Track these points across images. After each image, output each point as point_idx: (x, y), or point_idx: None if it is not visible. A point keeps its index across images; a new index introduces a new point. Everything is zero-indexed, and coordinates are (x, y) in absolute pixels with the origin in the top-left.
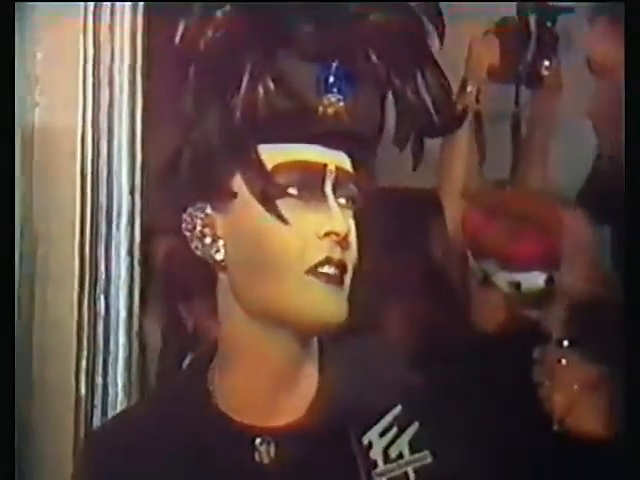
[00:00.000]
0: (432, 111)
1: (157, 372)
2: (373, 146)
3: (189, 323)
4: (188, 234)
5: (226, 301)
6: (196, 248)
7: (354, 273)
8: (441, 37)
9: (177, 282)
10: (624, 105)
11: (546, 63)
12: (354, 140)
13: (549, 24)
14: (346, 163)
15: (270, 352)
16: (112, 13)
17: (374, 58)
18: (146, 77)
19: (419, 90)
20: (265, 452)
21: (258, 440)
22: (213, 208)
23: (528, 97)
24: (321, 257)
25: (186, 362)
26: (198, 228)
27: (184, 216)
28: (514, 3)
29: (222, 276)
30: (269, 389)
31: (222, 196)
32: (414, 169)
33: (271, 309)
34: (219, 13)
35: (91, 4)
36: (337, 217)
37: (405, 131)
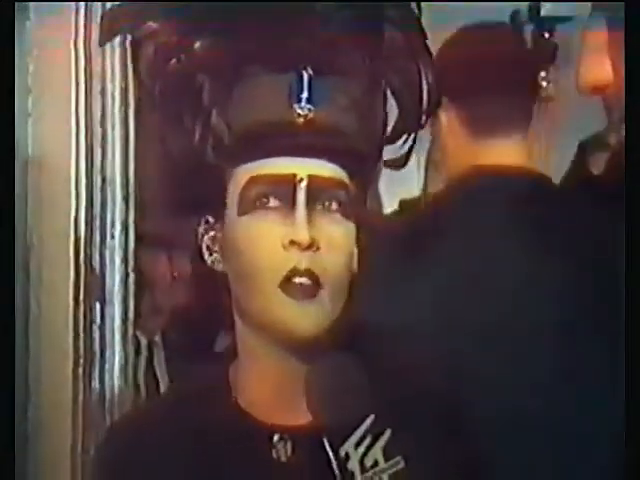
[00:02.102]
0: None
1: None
2: (358, 151)
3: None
4: (201, 245)
5: (233, 306)
6: (207, 258)
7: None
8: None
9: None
10: (624, 105)
11: (542, 74)
12: (331, 147)
13: (546, 34)
14: (327, 170)
15: (270, 357)
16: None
17: (356, 58)
18: (138, 86)
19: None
20: (282, 449)
21: (276, 437)
22: (214, 219)
23: None
24: (288, 268)
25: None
26: (205, 240)
27: (198, 228)
28: (507, 13)
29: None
30: (279, 389)
31: (216, 209)
32: (402, 167)
33: (255, 319)
34: (193, 36)
35: (82, 15)
36: (299, 226)
37: (399, 128)
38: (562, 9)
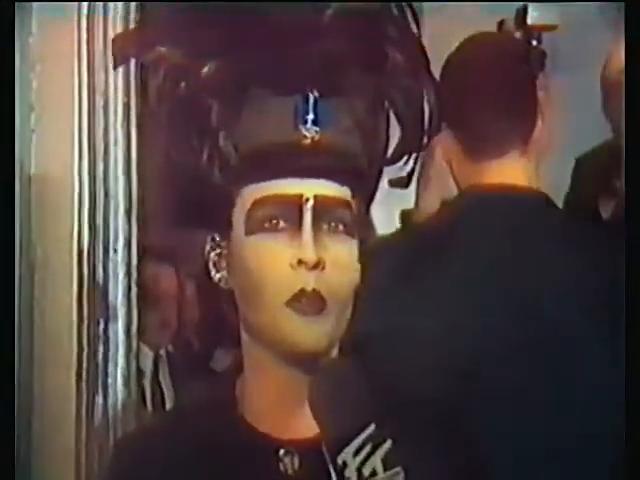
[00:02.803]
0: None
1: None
2: (361, 171)
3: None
4: (208, 262)
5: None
6: (214, 275)
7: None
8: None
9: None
10: (624, 107)
11: None
12: (336, 168)
13: (534, 42)
14: (332, 190)
15: (276, 372)
16: (105, 38)
17: (359, 78)
18: (140, 101)
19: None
20: (289, 463)
21: (282, 451)
22: (220, 237)
23: None
24: (296, 289)
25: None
26: (212, 257)
27: (206, 246)
28: (494, 22)
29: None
30: (285, 404)
31: (223, 228)
32: (406, 186)
33: (261, 335)
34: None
35: (84, 29)
36: (306, 246)
37: (401, 149)
38: (548, 17)
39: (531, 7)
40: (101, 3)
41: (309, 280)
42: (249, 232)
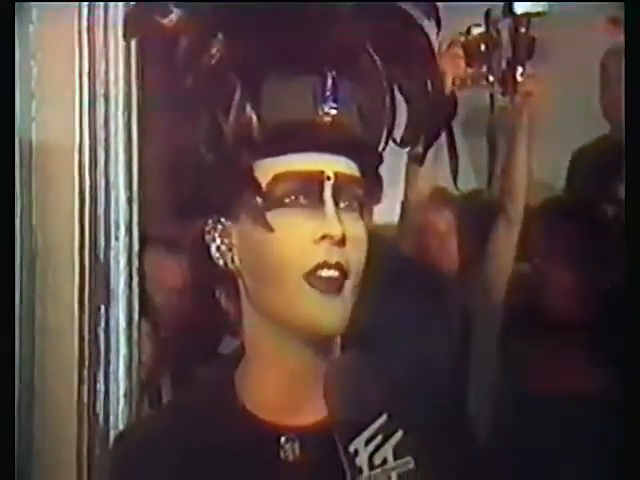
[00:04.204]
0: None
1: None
2: (375, 150)
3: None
4: (211, 245)
5: (245, 305)
6: (217, 258)
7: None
8: (438, 24)
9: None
10: (624, 105)
11: (520, 70)
12: (353, 146)
13: (522, 29)
14: (349, 168)
15: (286, 354)
16: (106, 27)
17: (374, 62)
18: (141, 89)
19: (425, 89)
20: (290, 450)
21: (283, 438)
22: (227, 218)
23: (505, 104)
24: (319, 260)
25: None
26: (217, 239)
27: (206, 228)
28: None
29: (240, 282)
30: (291, 389)
31: (234, 205)
32: (421, 163)
33: (276, 315)
34: (214, 36)
35: (85, 17)
36: (331, 221)
37: (414, 131)
38: (535, 5)
39: None
40: None
41: (332, 253)
42: (267, 208)
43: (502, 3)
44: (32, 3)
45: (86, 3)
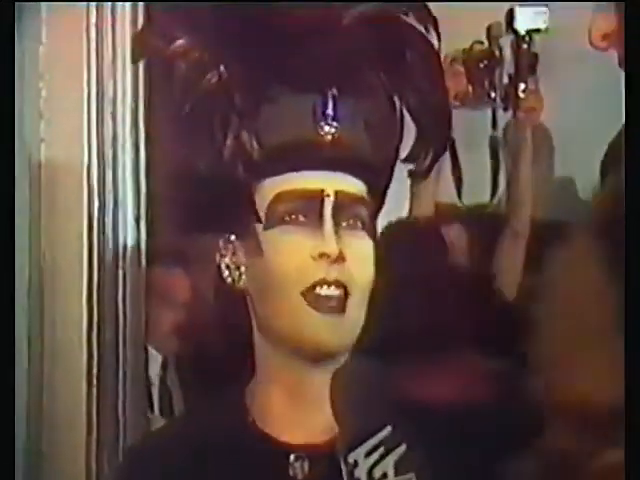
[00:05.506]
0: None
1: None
2: (383, 167)
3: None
4: (220, 263)
5: (254, 323)
6: (227, 277)
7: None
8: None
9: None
10: (624, 107)
11: (522, 86)
12: (359, 163)
13: (524, 45)
14: (353, 186)
15: (291, 374)
16: (114, 48)
17: (378, 77)
18: (148, 108)
19: (432, 103)
20: (299, 468)
21: (292, 456)
22: (235, 236)
23: (507, 120)
24: (317, 277)
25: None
26: (226, 258)
27: (219, 247)
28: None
29: (249, 300)
30: (304, 406)
31: (241, 223)
32: (425, 176)
33: (278, 335)
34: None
35: (93, 38)
36: (329, 239)
37: (421, 147)
38: (535, 22)
39: (518, 11)
40: (109, 12)
41: (331, 271)
42: (268, 226)
43: (503, 20)
44: (42, 25)
45: (94, 23)
